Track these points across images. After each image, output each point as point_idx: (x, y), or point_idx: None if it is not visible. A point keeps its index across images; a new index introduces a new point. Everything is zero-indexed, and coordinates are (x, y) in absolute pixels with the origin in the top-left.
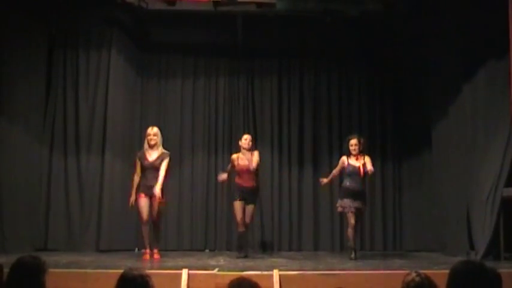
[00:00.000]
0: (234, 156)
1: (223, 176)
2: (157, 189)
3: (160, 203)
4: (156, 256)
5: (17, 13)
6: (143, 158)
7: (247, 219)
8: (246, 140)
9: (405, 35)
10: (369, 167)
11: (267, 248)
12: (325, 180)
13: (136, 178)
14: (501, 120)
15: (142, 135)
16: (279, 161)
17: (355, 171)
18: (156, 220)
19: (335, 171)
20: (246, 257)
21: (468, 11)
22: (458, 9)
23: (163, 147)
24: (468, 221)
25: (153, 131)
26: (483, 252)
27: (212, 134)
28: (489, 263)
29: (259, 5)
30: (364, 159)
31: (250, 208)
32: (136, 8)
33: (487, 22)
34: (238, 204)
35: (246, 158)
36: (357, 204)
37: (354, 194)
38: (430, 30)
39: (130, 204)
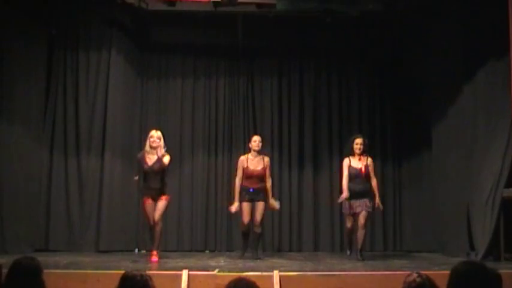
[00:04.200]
0: (243, 157)
1: (235, 206)
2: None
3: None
4: (154, 258)
5: (17, 13)
6: (143, 161)
7: (258, 217)
8: (255, 141)
9: (405, 35)
10: (378, 202)
11: (266, 248)
12: (343, 196)
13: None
14: (501, 120)
15: (142, 135)
16: (279, 161)
17: (357, 173)
18: (157, 221)
19: (345, 180)
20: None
21: (468, 11)
22: (458, 9)
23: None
24: (468, 221)
25: (157, 134)
26: (483, 253)
27: (212, 134)
28: (489, 264)
29: (259, 5)
30: (367, 160)
31: (260, 205)
32: (136, 8)
33: (487, 22)
34: (245, 206)
35: (256, 161)
36: (358, 203)
37: (356, 194)
38: (430, 30)
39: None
